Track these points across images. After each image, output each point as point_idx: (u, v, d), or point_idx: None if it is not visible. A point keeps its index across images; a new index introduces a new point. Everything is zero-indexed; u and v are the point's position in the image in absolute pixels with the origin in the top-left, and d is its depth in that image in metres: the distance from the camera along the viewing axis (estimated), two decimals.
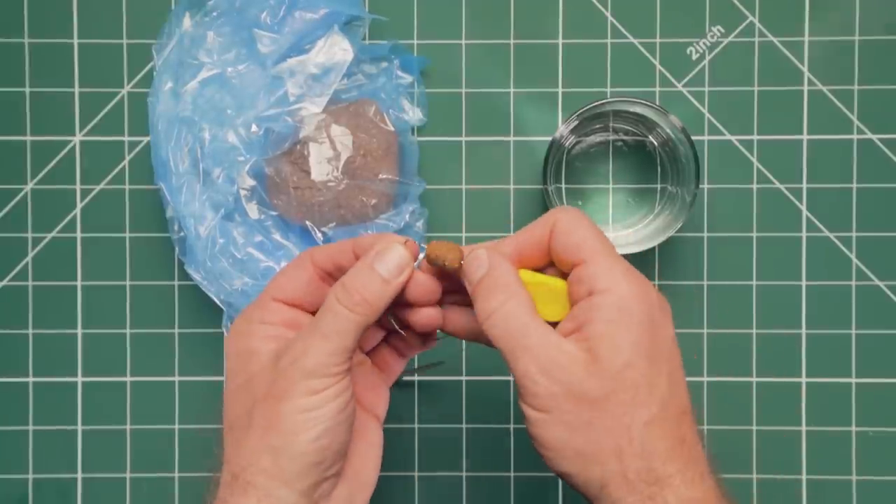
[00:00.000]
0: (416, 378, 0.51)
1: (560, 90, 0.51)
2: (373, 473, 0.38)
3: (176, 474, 0.51)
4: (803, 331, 0.51)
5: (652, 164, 0.50)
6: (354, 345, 0.34)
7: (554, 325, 0.35)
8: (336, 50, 0.48)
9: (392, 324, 0.39)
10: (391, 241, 0.35)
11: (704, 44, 0.51)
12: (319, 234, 0.48)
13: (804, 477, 0.50)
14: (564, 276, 0.36)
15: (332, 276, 0.37)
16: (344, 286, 0.34)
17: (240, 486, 0.33)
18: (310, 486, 0.33)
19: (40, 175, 0.51)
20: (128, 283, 0.51)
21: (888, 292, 0.51)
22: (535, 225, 0.36)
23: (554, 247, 0.35)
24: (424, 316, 0.37)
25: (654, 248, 0.49)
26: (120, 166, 0.51)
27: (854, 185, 0.50)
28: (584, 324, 0.33)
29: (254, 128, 0.47)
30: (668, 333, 0.34)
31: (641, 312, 0.33)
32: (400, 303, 0.36)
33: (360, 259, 0.35)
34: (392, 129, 0.48)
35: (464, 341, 0.50)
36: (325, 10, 0.47)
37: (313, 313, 0.37)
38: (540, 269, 0.37)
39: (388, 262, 0.35)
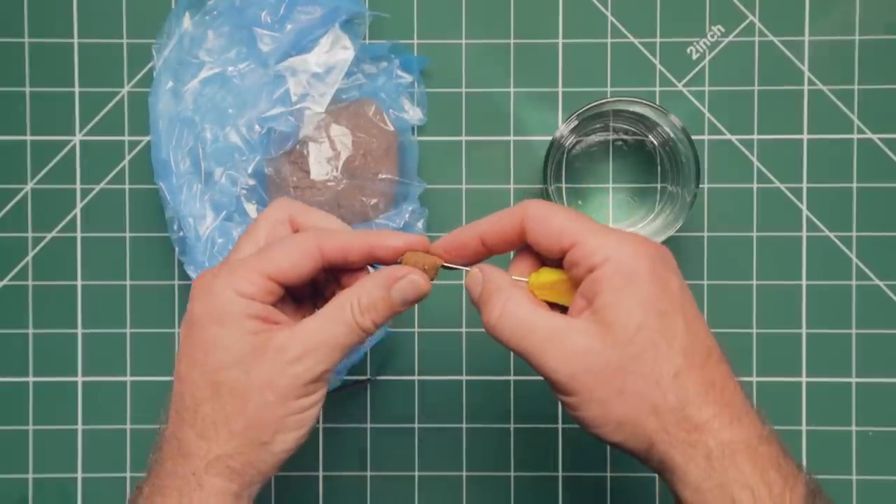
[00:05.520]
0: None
1: (560, 90, 0.51)
2: None
3: None
4: (803, 331, 0.51)
5: (652, 163, 0.50)
6: None
7: None
8: (337, 48, 0.48)
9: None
10: (413, 266, 0.35)
11: (704, 43, 0.51)
12: None
13: None
14: (555, 264, 0.36)
15: (334, 265, 0.36)
16: (361, 308, 0.35)
17: (222, 468, 0.34)
18: (272, 474, 0.36)
19: (40, 175, 0.51)
20: (128, 282, 0.51)
21: (888, 292, 0.51)
22: (502, 214, 0.36)
23: (533, 236, 0.35)
24: None
25: None
26: (120, 166, 0.51)
27: (854, 185, 0.50)
28: (592, 298, 0.33)
29: (256, 127, 0.47)
30: (674, 282, 0.34)
31: (643, 271, 0.33)
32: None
33: (379, 276, 0.35)
34: (392, 128, 0.48)
35: (463, 342, 0.51)
36: (325, 7, 0.47)
37: (289, 289, 0.36)
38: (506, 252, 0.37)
39: (408, 296, 0.35)
